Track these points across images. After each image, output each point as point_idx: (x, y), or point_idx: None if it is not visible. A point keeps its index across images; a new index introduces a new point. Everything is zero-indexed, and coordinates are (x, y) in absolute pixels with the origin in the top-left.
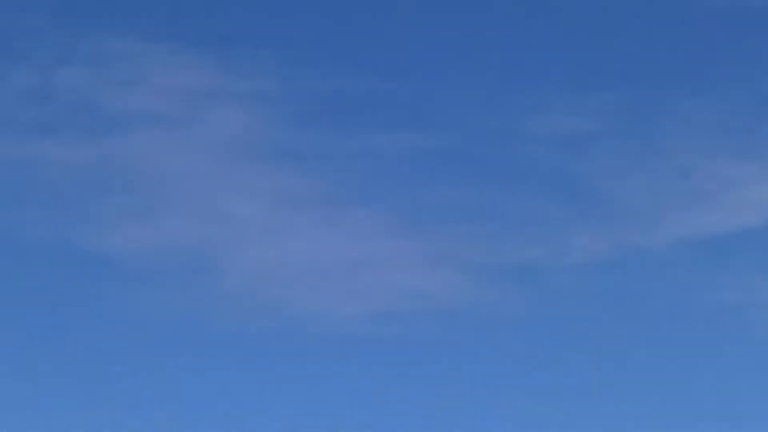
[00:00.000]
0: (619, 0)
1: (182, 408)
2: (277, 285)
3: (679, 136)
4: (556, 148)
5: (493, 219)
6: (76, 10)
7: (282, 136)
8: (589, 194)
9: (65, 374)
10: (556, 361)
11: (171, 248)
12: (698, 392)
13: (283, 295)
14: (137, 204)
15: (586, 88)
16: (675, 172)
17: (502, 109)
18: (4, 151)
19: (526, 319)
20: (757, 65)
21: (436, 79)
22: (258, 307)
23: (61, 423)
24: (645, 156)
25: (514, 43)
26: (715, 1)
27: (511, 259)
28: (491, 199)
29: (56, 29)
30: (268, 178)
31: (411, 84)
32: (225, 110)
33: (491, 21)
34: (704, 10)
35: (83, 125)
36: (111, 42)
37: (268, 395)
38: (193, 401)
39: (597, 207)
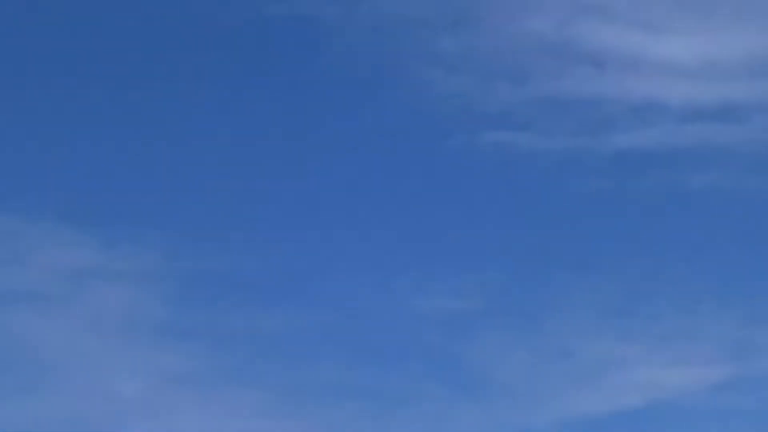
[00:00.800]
0: (497, 182)
1: None
2: None
3: (561, 316)
4: (437, 327)
5: (373, 398)
6: None
7: (163, 314)
8: (470, 373)
9: None
10: None
11: (52, 426)
12: None
13: None
14: (18, 382)
15: (468, 267)
16: (557, 352)
17: (383, 287)
18: None
19: None
20: (639, 246)
21: (319, 257)
22: None
23: None
24: (527, 335)
25: (394, 222)
26: (593, 183)
27: None
28: (372, 378)
29: None
30: (150, 356)
31: (294, 262)
32: (107, 288)
33: (373, 200)
34: (584, 190)
35: None
36: None
37: None
38: None
39: (478, 386)
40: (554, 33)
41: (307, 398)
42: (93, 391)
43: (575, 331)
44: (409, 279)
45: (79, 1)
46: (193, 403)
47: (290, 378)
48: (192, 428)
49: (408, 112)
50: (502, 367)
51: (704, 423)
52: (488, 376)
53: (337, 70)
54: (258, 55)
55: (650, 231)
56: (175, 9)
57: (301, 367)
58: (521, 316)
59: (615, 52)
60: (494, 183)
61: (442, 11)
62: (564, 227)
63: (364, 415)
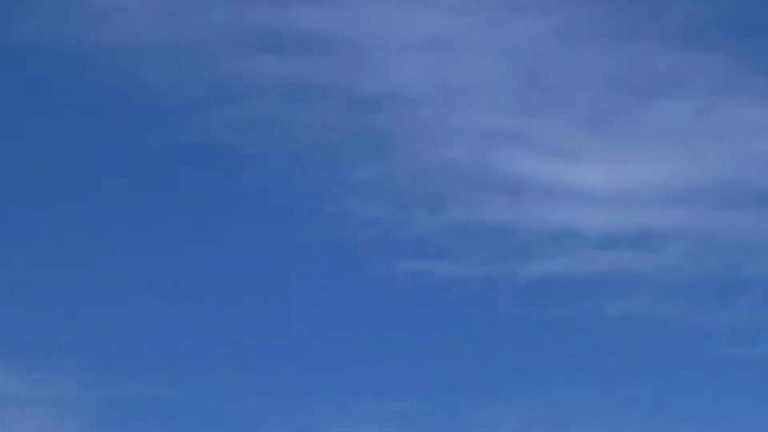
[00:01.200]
0: (413, 310)
1: None
2: None
3: None
4: None
5: None
6: None
7: None
8: None
9: None
10: None
11: None
12: None
13: None
14: None
15: (384, 394)
16: None
17: (299, 414)
18: None
19: None
20: (554, 373)
21: (233, 384)
22: None
23: None
24: None
25: (310, 349)
26: (509, 310)
27: None
28: None
29: None
30: None
31: (209, 389)
32: (23, 415)
33: (289, 327)
34: (500, 317)
35: None
36: None
37: None
38: None
39: None
40: (470, 160)
41: None
42: None
43: None
44: (326, 406)
45: None
46: None
47: None
48: None
49: (324, 241)
50: None
51: None
52: None
53: (252, 199)
54: (172, 183)
55: (566, 358)
56: (87, 133)
57: None
58: None
59: (531, 179)
60: (410, 310)
61: (357, 140)
62: (480, 354)
63: None
